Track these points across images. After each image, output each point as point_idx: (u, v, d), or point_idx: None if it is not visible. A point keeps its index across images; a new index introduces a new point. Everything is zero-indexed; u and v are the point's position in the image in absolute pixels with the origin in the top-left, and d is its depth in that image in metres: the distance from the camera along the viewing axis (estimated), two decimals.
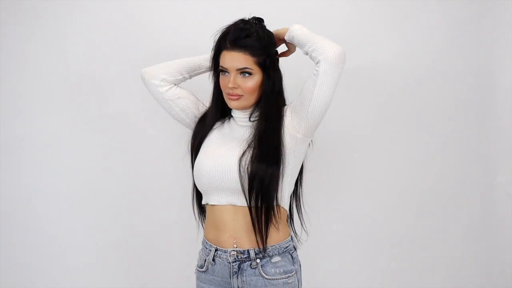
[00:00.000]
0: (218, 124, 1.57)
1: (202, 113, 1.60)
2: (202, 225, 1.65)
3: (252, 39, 1.43)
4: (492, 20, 2.11)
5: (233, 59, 1.42)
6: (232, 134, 1.52)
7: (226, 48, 1.44)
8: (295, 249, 1.52)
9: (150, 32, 2.04)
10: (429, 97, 2.14)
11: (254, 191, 1.41)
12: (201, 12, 2.05)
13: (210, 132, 1.55)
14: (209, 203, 1.51)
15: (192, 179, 1.59)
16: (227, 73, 1.45)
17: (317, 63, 1.41)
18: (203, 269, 1.52)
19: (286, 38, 1.50)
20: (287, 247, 1.47)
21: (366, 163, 2.14)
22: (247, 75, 1.43)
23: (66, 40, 2.03)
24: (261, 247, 1.42)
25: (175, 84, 1.61)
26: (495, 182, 2.20)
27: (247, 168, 1.41)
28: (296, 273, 1.48)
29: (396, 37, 2.10)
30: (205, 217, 1.62)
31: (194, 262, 1.62)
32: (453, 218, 2.20)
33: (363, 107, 2.13)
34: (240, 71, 1.43)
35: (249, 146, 1.44)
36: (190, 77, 1.62)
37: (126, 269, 2.12)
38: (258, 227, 1.42)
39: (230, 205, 1.46)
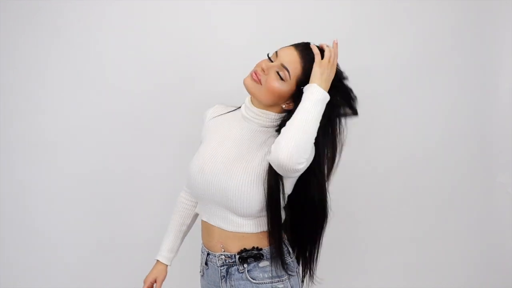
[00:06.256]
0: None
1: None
2: None
3: (312, 60, 1.36)
4: (492, 20, 2.11)
5: (289, 55, 1.36)
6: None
7: (293, 45, 1.39)
8: (289, 254, 1.45)
9: (151, 31, 2.04)
10: (429, 97, 2.14)
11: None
12: (201, 12, 2.05)
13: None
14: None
15: None
16: (271, 61, 1.38)
17: None
18: (201, 274, 1.53)
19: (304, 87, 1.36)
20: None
21: (365, 163, 2.14)
22: (279, 77, 1.35)
23: (67, 40, 2.04)
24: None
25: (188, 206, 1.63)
26: (495, 182, 2.20)
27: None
28: (289, 279, 1.42)
29: (396, 37, 2.10)
30: None
31: (193, 262, 1.63)
32: (453, 218, 2.20)
33: (362, 106, 2.13)
34: (281, 68, 1.35)
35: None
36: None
37: (126, 269, 2.13)
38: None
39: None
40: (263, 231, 1.42)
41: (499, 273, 2.23)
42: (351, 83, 2.09)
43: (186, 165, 1.52)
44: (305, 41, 1.42)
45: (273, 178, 1.35)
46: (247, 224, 1.41)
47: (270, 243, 1.41)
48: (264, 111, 1.42)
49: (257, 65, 1.39)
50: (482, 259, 2.23)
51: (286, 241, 1.46)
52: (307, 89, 1.32)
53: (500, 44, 2.12)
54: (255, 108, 1.43)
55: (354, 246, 2.18)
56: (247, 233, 1.41)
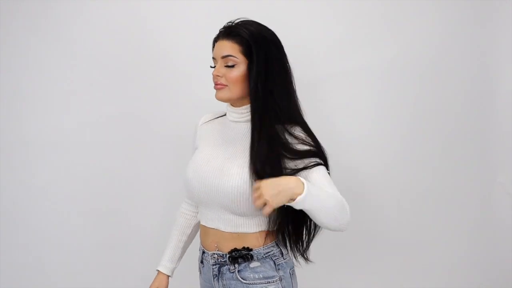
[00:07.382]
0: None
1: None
2: None
3: (240, 28, 1.40)
4: (492, 20, 2.11)
5: (220, 47, 1.41)
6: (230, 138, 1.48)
7: (217, 40, 1.44)
8: (282, 255, 1.45)
9: (151, 32, 2.05)
10: (429, 98, 2.13)
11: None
12: (201, 12, 2.06)
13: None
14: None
15: None
16: (215, 66, 1.43)
17: None
18: (199, 272, 1.54)
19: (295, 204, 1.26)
20: (267, 253, 1.42)
21: (365, 163, 2.14)
22: (231, 66, 1.39)
23: (68, 40, 2.05)
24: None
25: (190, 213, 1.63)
26: (495, 182, 2.19)
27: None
28: (281, 280, 1.41)
29: (396, 37, 2.10)
30: None
31: (194, 261, 1.63)
32: (453, 218, 2.20)
33: (362, 107, 2.13)
34: (225, 59, 1.39)
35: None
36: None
37: (126, 269, 2.14)
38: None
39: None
40: (262, 231, 1.42)
41: (499, 273, 2.22)
42: (352, 82, 2.11)
43: (186, 165, 1.52)
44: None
45: None
46: (246, 224, 1.41)
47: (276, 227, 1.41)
48: (245, 106, 1.44)
49: (213, 79, 1.43)
50: (482, 259, 2.22)
51: (280, 242, 1.46)
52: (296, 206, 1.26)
53: (500, 44, 2.12)
54: (237, 108, 1.46)
55: (353, 246, 2.18)
56: (244, 233, 1.41)
